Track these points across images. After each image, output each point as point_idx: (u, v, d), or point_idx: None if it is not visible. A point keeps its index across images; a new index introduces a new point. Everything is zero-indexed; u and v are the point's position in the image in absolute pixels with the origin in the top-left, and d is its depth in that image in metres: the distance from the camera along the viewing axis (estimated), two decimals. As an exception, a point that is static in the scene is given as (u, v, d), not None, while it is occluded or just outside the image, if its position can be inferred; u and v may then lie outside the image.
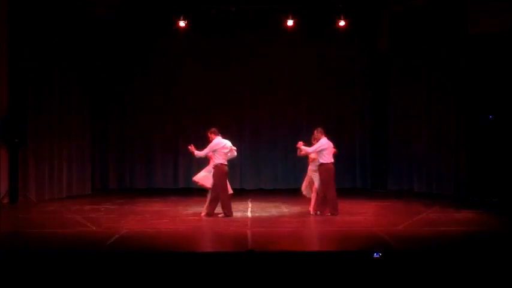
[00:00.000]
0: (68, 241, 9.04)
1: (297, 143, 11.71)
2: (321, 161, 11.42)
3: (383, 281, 7.15)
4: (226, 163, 11.35)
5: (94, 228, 10.13)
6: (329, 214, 11.43)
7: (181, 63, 16.19)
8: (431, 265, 7.45)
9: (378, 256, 7.57)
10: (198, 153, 11.42)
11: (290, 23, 14.63)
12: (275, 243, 9.11)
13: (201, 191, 12.04)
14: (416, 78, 15.17)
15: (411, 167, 15.51)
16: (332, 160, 11.48)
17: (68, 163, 14.65)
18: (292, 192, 13.71)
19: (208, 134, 11.47)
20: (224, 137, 11.48)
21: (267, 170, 16.42)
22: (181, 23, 14.55)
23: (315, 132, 11.70)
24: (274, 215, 11.85)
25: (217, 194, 11.28)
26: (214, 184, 11.26)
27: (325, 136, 11.63)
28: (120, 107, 16.21)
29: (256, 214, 11.88)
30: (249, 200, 13.73)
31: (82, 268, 7.31)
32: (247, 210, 12.39)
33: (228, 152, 11.37)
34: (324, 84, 16.24)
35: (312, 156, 11.64)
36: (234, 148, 11.49)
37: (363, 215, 11.71)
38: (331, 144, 11.58)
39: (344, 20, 14.68)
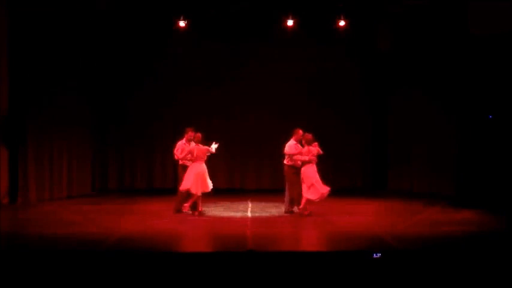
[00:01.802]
0: (67, 241, 9.02)
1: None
2: None
3: (383, 281, 7.15)
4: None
5: (94, 228, 10.13)
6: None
7: (182, 64, 16.17)
8: (431, 265, 7.45)
9: (377, 256, 7.57)
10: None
11: (290, 23, 14.62)
12: (275, 243, 9.11)
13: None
14: (417, 78, 15.16)
15: (411, 167, 15.52)
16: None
17: (68, 163, 14.64)
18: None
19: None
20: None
21: (267, 170, 16.40)
22: (181, 23, 14.53)
23: None
24: (274, 215, 11.84)
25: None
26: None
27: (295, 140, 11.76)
28: (120, 107, 16.20)
29: (256, 214, 11.87)
30: (249, 200, 13.73)
31: (82, 268, 7.31)
32: (247, 210, 12.39)
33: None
34: (324, 84, 16.23)
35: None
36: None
37: (363, 215, 11.70)
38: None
39: (344, 20, 14.67)
